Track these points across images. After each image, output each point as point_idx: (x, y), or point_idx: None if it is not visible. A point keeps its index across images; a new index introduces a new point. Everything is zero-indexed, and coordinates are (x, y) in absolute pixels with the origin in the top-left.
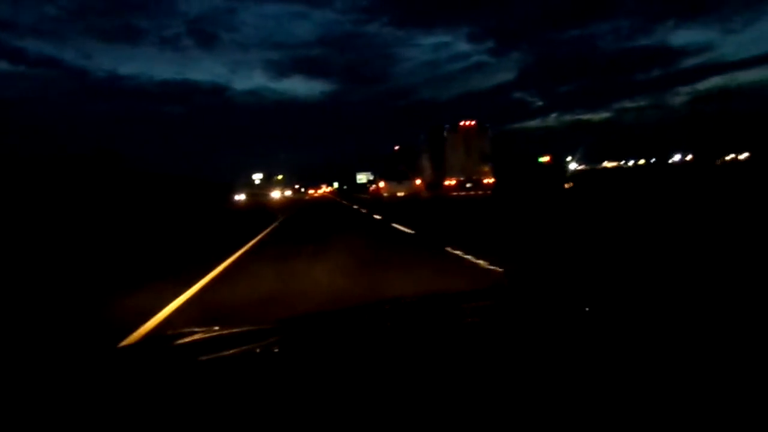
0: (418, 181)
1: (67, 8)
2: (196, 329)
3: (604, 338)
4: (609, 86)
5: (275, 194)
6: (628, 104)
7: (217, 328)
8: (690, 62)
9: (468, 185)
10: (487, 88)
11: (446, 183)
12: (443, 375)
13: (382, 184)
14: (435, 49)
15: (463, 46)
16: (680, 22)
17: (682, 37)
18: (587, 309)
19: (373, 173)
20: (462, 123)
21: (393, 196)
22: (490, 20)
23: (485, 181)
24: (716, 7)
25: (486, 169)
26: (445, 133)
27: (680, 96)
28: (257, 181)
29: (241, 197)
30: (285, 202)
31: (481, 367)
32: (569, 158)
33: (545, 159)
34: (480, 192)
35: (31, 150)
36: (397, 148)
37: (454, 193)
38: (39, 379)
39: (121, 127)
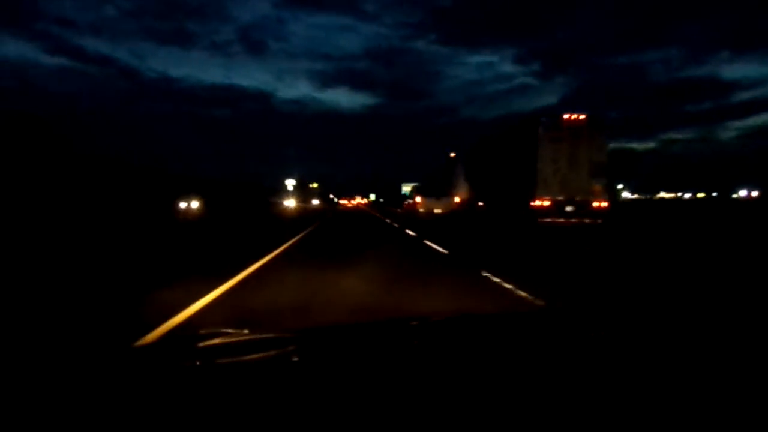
0: (457, 199)
1: (125, 9)
2: (229, 330)
3: (633, 370)
4: (655, 116)
5: (289, 203)
6: (674, 135)
7: (246, 331)
8: (742, 96)
9: (569, 209)
10: (530, 111)
11: (537, 204)
12: (462, 395)
13: (418, 199)
14: (480, 68)
15: (508, 67)
16: (734, 55)
17: (735, 70)
18: (620, 339)
19: (420, 186)
20: (567, 116)
21: (430, 213)
22: (537, 43)
23: (595, 204)
24: None
25: (598, 187)
26: (540, 130)
27: (730, 130)
28: (290, 188)
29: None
30: (302, 211)
31: (500, 391)
32: (620, 186)
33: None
34: (587, 220)
35: (80, 146)
36: (453, 155)
37: (548, 220)
38: (49, 377)
39: (168, 127)
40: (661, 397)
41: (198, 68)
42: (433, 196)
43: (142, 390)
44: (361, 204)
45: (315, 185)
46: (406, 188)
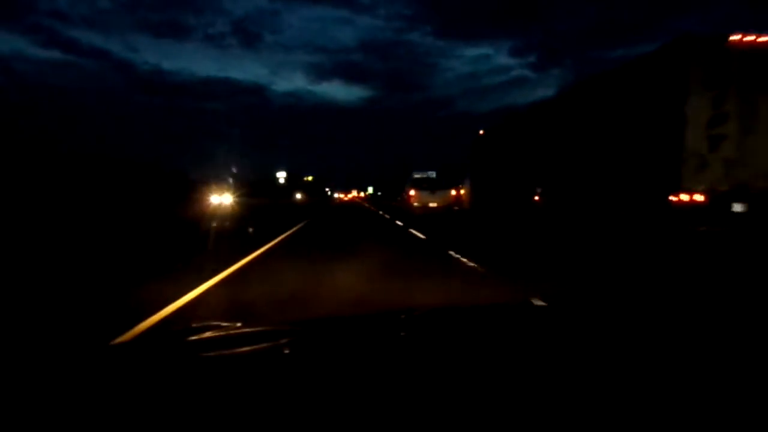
0: (453, 192)
1: (119, 1)
2: (222, 323)
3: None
4: None
5: (221, 199)
6: None
7: (239, 324)
8: None
9: (738, 208)
10: (526, 103)
11: (683, 199)
12: (449, 385)
13: (412, 192)
14: (475, 61)
15: (504, 60)
16: None
17: None
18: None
19: (438, 174)
20: (738, 37)
21: (425, 208)
22: (533, 35)
23: None
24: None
25: None
26: (689, 64)
27: None
28: (281, 180)
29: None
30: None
31: (485, 380)
32: None
33: None
34: None
35: (75, 140)
36: (482, 132)
37: (702, 228)
38: (39, 374)
39: (162, 120)
40: (653, 392)
41: (192, 61)
42: (429, 188)
43: (131, 385)
44: (357, 198)
45: (310, 178)
46: (418, 177)
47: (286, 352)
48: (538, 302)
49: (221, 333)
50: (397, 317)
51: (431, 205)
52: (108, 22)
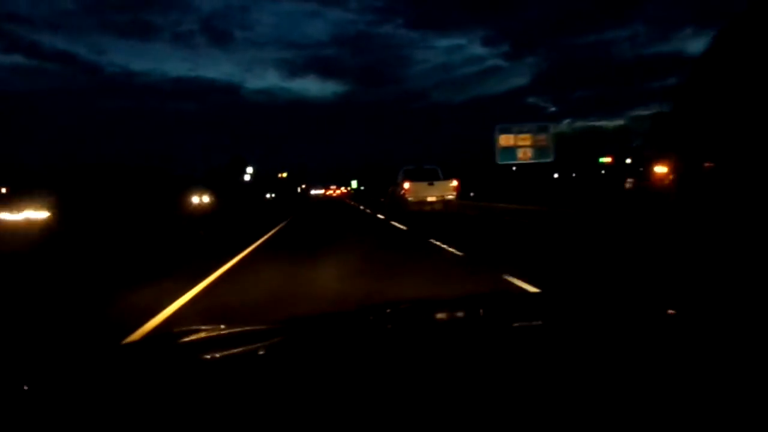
0: (454, 183)
1: (82, 2)
2: (203, 327)
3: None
4: (624, 94)
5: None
6: (642, 112)
7: (222, 326)
8: None
9: None
10: (501, 93)
11: None
12: (441, 376)
13: (406, 185)
14: (449, 51)
15: (478, 50)
16: (698, 31)
17: (700, 45)
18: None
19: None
20: None
21: (421, 203)
22: (505, 24)
23: None
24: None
25: None
26: None
27: None
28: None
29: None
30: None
31: (477, 369)
32: (629, 160)
33: (607, 160)
34: None
35: (43, 146)
36: None
37: None
38: (42, 375)
39: (133, 122)
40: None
41: (162, 61)
42: (425, 179)
43: (138, 387)
44: (338, 194)
45: (284, 175)
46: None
47: (277, 350)
48: (532, 289)
49: (210, 335)
50: (383, 310)
51: (429, 199)
52: (72, 25)
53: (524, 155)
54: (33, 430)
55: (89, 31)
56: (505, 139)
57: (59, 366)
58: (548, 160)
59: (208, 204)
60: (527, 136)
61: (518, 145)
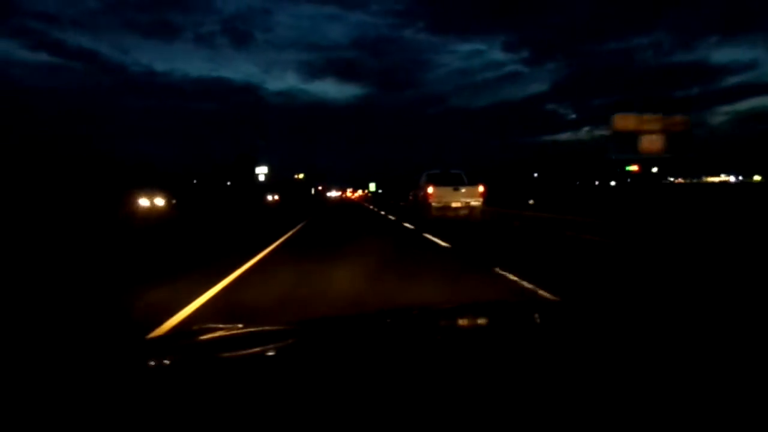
0: (480, 188)
1: (107, 2)
2: (221, 325)
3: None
4: (646, 102)
5: None
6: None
7: (240, 325)
8: (732, 81)
9: None
10: (520, 99)
11: None
12: (451, 380)
13: (430, 190)
14: (469, 56)
15: (498, 55)
16: (723, 40)
17: (724, 54)
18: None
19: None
20: None
21: (445, 210)
22: (526, 30)
23: None
24: (762, 25)
25: None
26: None
27: (719, 115)
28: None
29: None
30: None
31: (484, 376)
32: (655, 169)
33: (634, 168)
34: None
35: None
36: None
37: None
38: (66, 369)
39: (154, 122)
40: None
41: (184, 61)
42: (451, 184)
43: (158, 384)
44: (356, 197)
45: (301, 176)
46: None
47: (292, 351)
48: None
49: (228, 333)
50: (408, 315)
51: (454, 205)
52: (97, 24)
53: (651, 145)
54: (57, 419)
55: (114, 31)
56: (622, 121)
57: (83, 360)
58: (687, 154)
59: (162, 209)
60: (656, 117)
61: (642, 129)
